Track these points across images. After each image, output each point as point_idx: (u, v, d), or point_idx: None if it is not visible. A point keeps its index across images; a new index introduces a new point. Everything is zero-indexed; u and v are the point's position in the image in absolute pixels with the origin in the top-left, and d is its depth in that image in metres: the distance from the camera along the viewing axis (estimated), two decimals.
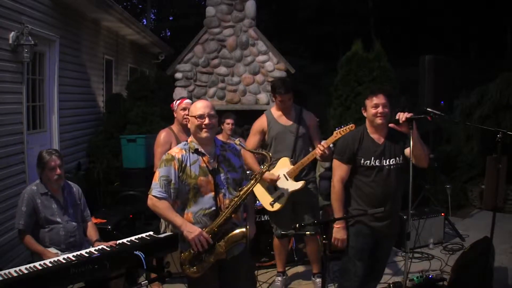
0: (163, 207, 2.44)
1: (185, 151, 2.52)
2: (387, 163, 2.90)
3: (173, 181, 2.45)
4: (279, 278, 3.90)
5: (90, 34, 7.00)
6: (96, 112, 7.12)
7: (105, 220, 4.03)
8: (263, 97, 6.43)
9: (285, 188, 3.60)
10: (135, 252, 2.57)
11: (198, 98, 6.41)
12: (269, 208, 3.63)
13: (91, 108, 6.96)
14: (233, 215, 2.48)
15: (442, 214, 4.98)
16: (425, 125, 5.30)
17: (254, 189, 3.56)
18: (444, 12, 15.26)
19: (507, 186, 6.08)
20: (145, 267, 2.56)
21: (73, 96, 6.21)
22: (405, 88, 5.61)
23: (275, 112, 3.80)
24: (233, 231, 2.46)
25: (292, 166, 3.63)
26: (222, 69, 6.47)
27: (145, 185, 5.60)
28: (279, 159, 3.67)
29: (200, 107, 2.52)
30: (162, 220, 3.82)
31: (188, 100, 3.81)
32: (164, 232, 3.37)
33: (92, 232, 3.37)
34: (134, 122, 6.58)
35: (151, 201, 2.47)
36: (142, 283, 2.57)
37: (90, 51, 6.97)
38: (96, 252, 2.61)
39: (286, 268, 4.06)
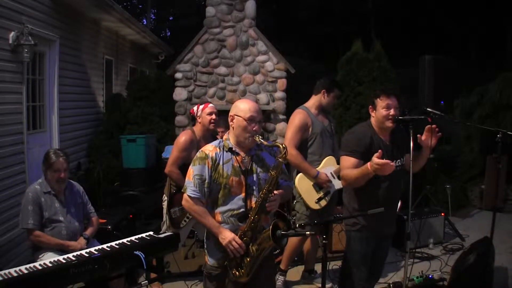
0: (200, 212, 2.41)
1: (219, 149, 2.45)
2: (396, 164, 2.82)
3: (207, 180, 2.40)
4: (282, 278, 3.90)
5: (90, 34, 7.01)
6: (96, 112, 7.12)
7: (105, 220, 4.02)
8: (263, 97, 6.43)
9: (333, 186, 3.61)
10: (135, 252, 2.57)
11: (198, 98, 6.41)
12: (314, 206, 3.57)
13: (91, 108, 6.96)
14: (263, 217, 2.40)
15: (442, 214, 4.98)
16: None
17: (299, 186, 3.58)
18: (444, 12, 15.25)
19: (507, 186, 6.08)
20: (145, 267, 2.56)
21: (73, 96, 6.21)
22: (405, 88, 5.58)
23: (312, 109, 3.70)
24: (263, 234, 2.37)
25: (338, 165, 3.61)
26: (222, 69, 6.47)
27: (145, 185, 5.70)
28: (322, 157, 3.64)
29: (254, 110, 2.41)
30: (163, 220, 3.83)
31: (212, 104, 3.78)
32: (165, 232, 3.36)
33: (90, 228, 3.39)
34: (134, 122, 6.58)
35: (187, 203, 2.43)
36: (142, 283, 2.57)
37: (90, 51, 6.97)
38: (96, 252, 2.61)
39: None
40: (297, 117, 3.63)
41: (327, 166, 3.63)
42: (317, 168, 3.58)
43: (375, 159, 2.52)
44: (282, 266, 3.91)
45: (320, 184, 3.58)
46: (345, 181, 2.82)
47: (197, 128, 3.75)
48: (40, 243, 3.12)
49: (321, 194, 3.60)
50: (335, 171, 3.62)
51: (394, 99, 2.78)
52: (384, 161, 2.51)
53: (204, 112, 3.70)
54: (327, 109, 3.78)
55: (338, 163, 3.61)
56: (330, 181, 3.59)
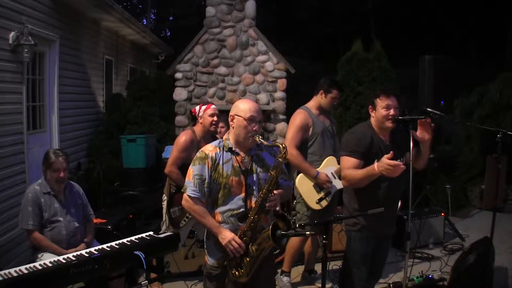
0: (200, 212, 2.41)
1: (219, 149, 2.45)
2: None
3: (207, 180, 2.40)
4: (288, 279, 3.88)
5: (90, 34, 7.01)
6: (96, 112, 7.12)
7: (105, 220, 4.03)
8: (263, 97, 6.43)
9: (334, 186, 3.61)
10: (135, 252, 2.57)
11: (198, 98, 6.41)
12: (314, 206, 3.57)
13: (91, 108, 6.96)
14: (262, 217, 2.40)
15: (442, 214, 4.98)
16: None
17: (300, 187, 3.58)
18: (444, 12, 15.25)
19: (507, 186, 6.09)
20: (145, 267, 2.56)
21: (73, 96, 6.21)
22: (405, 88, 5.60)
23: (313, 110, 3.70)
24: (263, 234, 2.36)
25: (339, 165, 3.62)
26: (222, 69, 6.47)
27: (145, 185, 5.70)
28: (323, 158, 3.64)
29: (254, 110, 2.41)
30: (162, 220, 3.83)
31: (214, 106, 3.77)
32: (164, 232, 3.36)
33: (89, 235, 3.39)
34: (134, 122, 6.58)
35: (187, 203, 2.43)
36: (142, 283, 2.57)
37: (90, 51, 6.97)
38: (96, 252, 2.61)
39: None
40: (298, 117, 3.63)
41: (328, 166, 3.63)
42: (317, 168, 3.58)
43: (386, 160, 2.51)
44: (285, 268, 3.90)
45: (320, 185, 3.58)
46: (347, 181, 2.81)
47: (198, 128, 3.74)
48: (40, 246, 3.12)
49: (322, 194, 3.59)
50: (336, 171, 3.62)
51: (394, 99, 2.77)
52: (395, 162, 2.51)
53: (206, 113, 3.69)
54: (327, 110, 3.79)
55: (339, 163, 3.63)
56: (330, 181, 3.58)
